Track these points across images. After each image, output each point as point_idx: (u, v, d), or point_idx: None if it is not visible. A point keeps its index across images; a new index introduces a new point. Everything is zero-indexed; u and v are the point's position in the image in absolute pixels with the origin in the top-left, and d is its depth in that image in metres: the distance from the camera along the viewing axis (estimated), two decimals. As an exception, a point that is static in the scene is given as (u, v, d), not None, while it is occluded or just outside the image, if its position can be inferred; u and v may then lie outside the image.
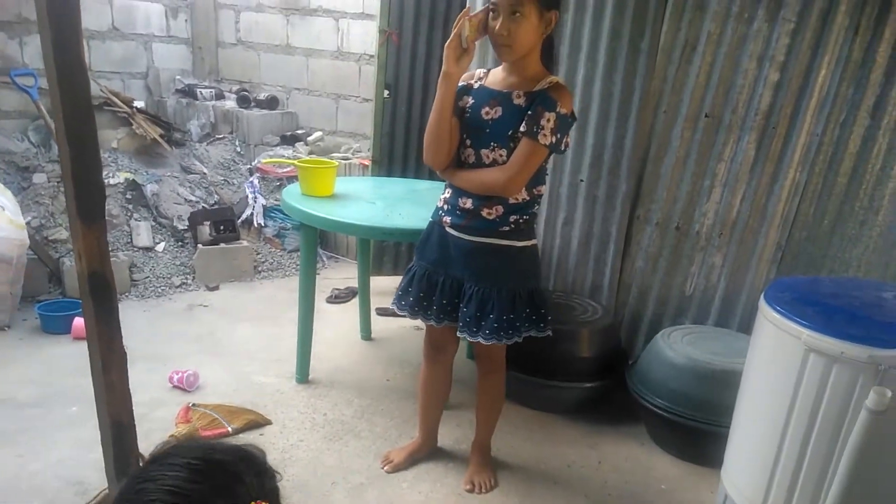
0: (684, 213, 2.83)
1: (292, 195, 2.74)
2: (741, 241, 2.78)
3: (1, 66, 4.01)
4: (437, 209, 2.12)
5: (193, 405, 2.59)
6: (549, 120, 1.84)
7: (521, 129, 1.86)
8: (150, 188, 4.04)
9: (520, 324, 2.02)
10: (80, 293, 1.72)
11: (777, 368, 1.88)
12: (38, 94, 3.96)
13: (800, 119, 2.60)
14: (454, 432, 2.60)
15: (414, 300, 2.11)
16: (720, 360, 2.40)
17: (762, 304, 1.97)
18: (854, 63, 2.50)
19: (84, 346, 2.92)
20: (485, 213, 1.97)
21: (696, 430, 2.39)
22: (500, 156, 1.91)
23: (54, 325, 3.17)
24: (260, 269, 4.08)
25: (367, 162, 4.10)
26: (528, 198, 1.98)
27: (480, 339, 2.01)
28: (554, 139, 1.86)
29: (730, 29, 2.62)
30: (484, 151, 1.94)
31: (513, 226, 1.98)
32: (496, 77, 1.98)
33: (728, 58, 2.64)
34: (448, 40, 1.82)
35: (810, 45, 2.53)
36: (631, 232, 2.93)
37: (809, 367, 1.77)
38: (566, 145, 1.94)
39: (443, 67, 1.87)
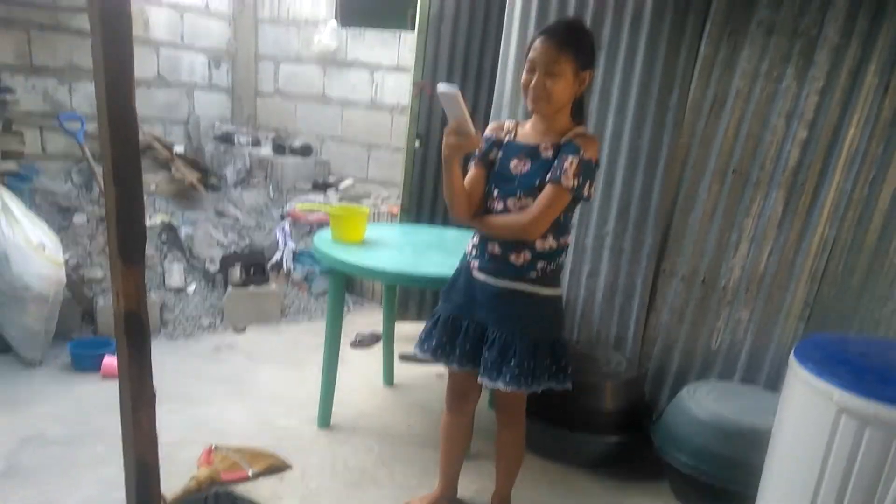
0: (711, 267, 2.82)
1: (323, 241, 2.79)
2: (769, 296, 2.75)
3: (50, 110, 4.21)
4: (465, 254, 2.15)
5: (216, 447, 2.60)
6: (571, 164, 1.86)
7: (549, 176, 1.89)
8: (184, 230, 4.15)
9: (540, 373, 2.01)
10: (115, 332, 1.76)
11: (808, 429, 1.83)
12: (83, 137, 4.14)
13: (829, 176, 2.60)
14: (475, 483, 2.56)
15: (437, 344, 2.12)
16: (748, 417, 2.35)
17: (792, 361, 1.94)
18: (884, 121, 2.50)
19: (113, 384, 2.98)
20: (512, 258, 1.98)
21: (722, 490, 2.32)
22: (527, 205, 1.94)
23: (85, 363, 3.23)
24: (287, 312, 4.14)
25: (396, 209, 4.17)
26: (555, 246, 1.99)
27: (500, 385, 2.00)
28: (576, 182, 1.87)
29: (758, 87, 2.65)
30: (511, 200, 1.97)
31: (540, 273, 1.99)
32: (525, 131, 2.03)
33: (756, 115, 2.67)
34: (450, 137, 1.83)
35: (839, 104, 2.54)
36: (657, 285, 2.92)
37: (841, 428, 1.72)
38: (591, 193, 1.94)
39: (447, 154, 1.88)
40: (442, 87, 1.75)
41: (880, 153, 2.52)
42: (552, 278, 2.04)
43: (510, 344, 1.99)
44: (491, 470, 2.43)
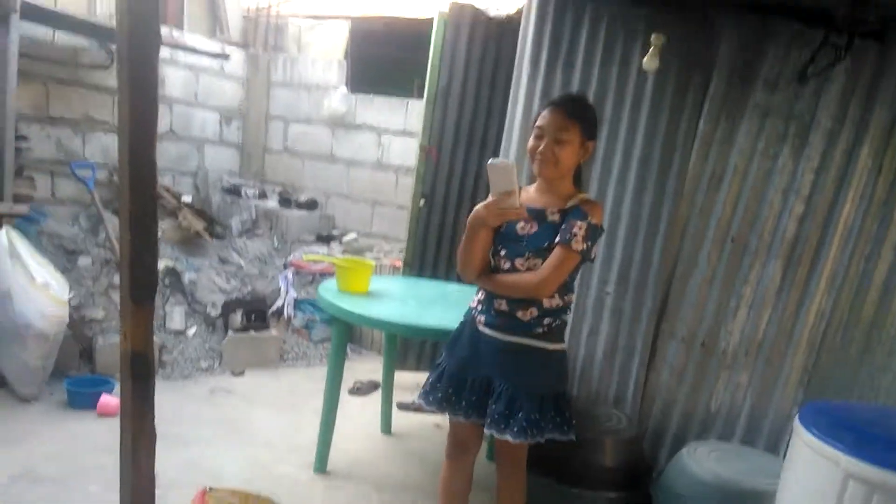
0: (710, 331, 2.88)
1: (329, 291, 2.84)
2: (768, 361, 2.81)
3: (63, 157, 4.32)
4: (470, 309, 2.19)
5: (210, 489, 2.55)
6: (580, 228, 1.96)
7: (557, 239, 1.98)
8: (188, 276, 4.19)
9: (545, 424, 2.04)
10: (121, 371, 1.76)
11: (814, 493, 1.84)
12: (94, 185, 4.23)
13: (825, 250, 2.70)
14: (473, 537, 2.52)
15: (442, 396, 2.14)
16: (749, 479, 2.36)
17: (798, 426, 1.96)
18: (878, 200, 2.64)
19: (108, 423, 3.00)
20: (520, 314, 2.04)
21: (723, 553, 2.30)
22: (535, 265, 2.02)
23: (81, 401, 3.21)
24: (286, 357, 4.15)
25: (398, 263, 4.25)
26: (560, 304, 2.06)
27: (508, 437, 2.02)
28: (585, 246, 1.97)
29: (755, 163, 2.79)
30: (519, 261, 2.04)
31: (546, 328, 2.05)
32: (530, 195, 2.12)
33: (754, 190, 2.80)
34: (495, 207, 1.91)
35: (834, 182, 2.68)
36: (656, 345, 2.98)
37: (849, 493, 1.74)
38: (595, 254, 2.06)
39: (484, 219, 1.97)
40: (495, 161, 1.88)
41: (875, 230, 2.64)
42: (557, 334, 2.09)
43: (517, 397, 2.02)
44: (490, 523, 2.40)
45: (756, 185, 2.80)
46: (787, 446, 2.08)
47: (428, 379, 2.21)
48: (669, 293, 2.95)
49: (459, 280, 3.67)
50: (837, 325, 2.72)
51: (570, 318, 2.73)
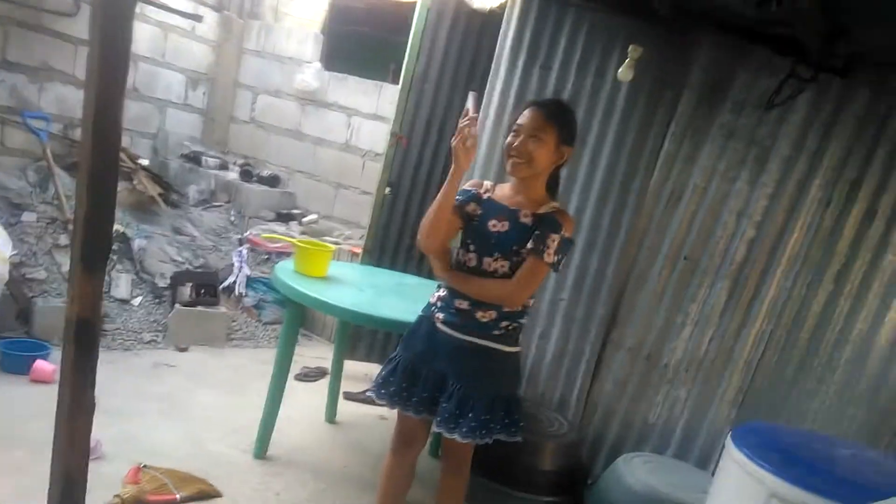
0: (655, 345, 2.96)
1: (285, 271, 2.79)
2: (706, 379, 2.90)
3: (15, 105, 4.14)
4: (430, 304, 2.19)
5: (144, 466, 2.51)
6: (554, 241, 1.99)
7: (529, 246, 2.00)
8: (137, 242, 4.08)
9: (493, 425, 2.06)
10: (64, 337, 1.69)
11: (738, 508, 1.93)
12: (47, 137, 4.07)
13: (770, 274, 2.80)
14: (408, 531, 2.55)
15: (395, 390, 2.13)
16: (678, 492, 2.44)
17: (729, 444, 2.04)
18: (824, 231, 2.74)
19: (41, 389, 2.91)
20: (479, 315, 2.05)
21: (648, 562, 2.38)
22: (502, 266, 2.04)
23: (14, 365, 3.10)
24: (233, 336, 4.07)
25: (357, 249, 4.22)
26: (520, 308, 2.08)
27: (457, 436, 2.03)
28: (556, 259, 2.01)
29: (714, 184, 2.86)
30: (487, 260, 2.05)
31: (504, 331, 2.07)
32: (503, 192, 2.13)
33: (710, 210, 2.87)
34: (458, 139, 1.89)
35: (785, 210, 2.77)
36: (603, 355, 3.04)
37: (772, 512, 1.83)
38: (563, 266, 2.10)
39: (456, 164, 1.93)
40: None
41: (819, 259, 2.74)
42: (514, 336, 2.11)
43: (469, 397, 2.04)
44: (426, 519, 2.43)
45: (713, 205, 2.87)
46: (718, 462, 2.15)
47: (381, 372, 2.20)
48: (621, 304, 3.02)
49: (419, 272, 3.71)
50: (775, 349, 2.82)
51: (527, 321, 2.77)
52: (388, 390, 2.14)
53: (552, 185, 2.14)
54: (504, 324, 2.06)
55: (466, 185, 2.18)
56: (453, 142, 1.91)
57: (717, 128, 2.85)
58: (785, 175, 2.77)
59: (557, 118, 2.04)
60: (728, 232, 2.86)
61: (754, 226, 2.82)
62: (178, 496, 2.42)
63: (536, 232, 2.00)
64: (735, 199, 2.84)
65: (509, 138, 2.05)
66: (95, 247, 1.60)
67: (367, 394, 2.23)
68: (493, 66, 3.25)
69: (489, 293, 2.04)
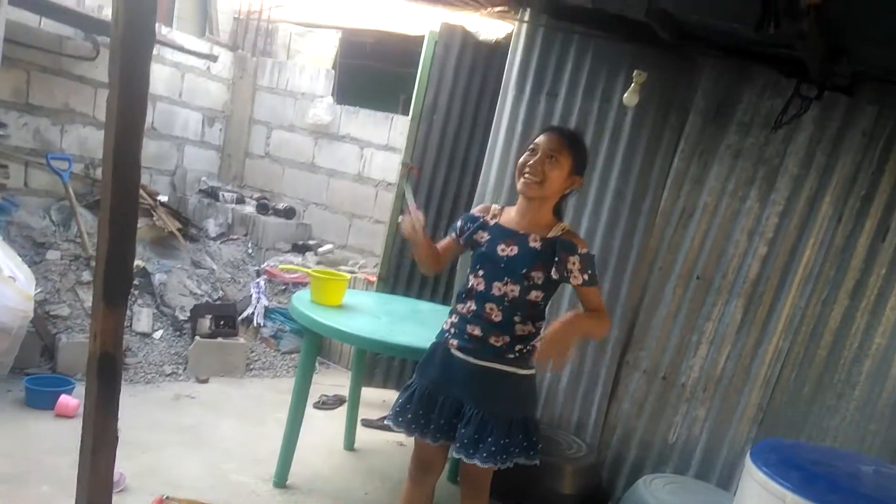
0: (671, 364, 2.95)
1: (302, 301, 2.83)
2: (724, 397, 2.88)
3: (39, 148, 4.26)
4: (443, 331, 2.20)
5: (167, 498, 2.54)
6: (574, 263, 2.02)
7: (574, 280, 2.03)
8: (158, 277, 4.15)
9: (513, 449, 2.06)
10: (87, 372, 1.73)
11: (759, 527, 1.92)
12: (69, 177, 4.18)
13: (785, 291, 2.80)
14: (428, 558, 2.53)
15: (412, 417, 2.14)
16: (700, 513, 2.42)
17: (748, 462, 2.03)
18: (836, 248, 2.74)
19: (65, 424, 2.96)
20: (492, 340, 2.07)
21: (672, 585, 2.35)
22: (512, 290, 2.05)
23: (39, 400, 3.14)
24: (252, 367, 4.11)
25: (372, 278, 4.26)
26: (532, 330, 2.09)
27: (477, 462, 2.03)
28: (586, 276, 2.03)
29: (724, 203, 2.88)
30: (496, 284, 2.07)
31: (517, 354, 2.08)
32: (510, 216, 2.15)
33: (721, 228, 2.89)
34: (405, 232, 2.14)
35: (797, 227, 2.78)
36: (619, 376, 3.04)
37: (791, 528, 1.81)
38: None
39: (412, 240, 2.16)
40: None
41: (832, 275, 2.74)
42: (528, 359, 2.11)
43: (487, 421, 2.04)
44: (447, 545, 2.42)
45: (724, 224, 2.89)
46: (739, 481, 2.14)
47: (398, 400, 2.21)
48: (635, 326, 3.02)
49: (433, 298, 3.75)
50: (792, 366, 2.81)
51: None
52: (406, 418, 2.14)
53: (558, 212, 2.16)
54: (518, 347, 2.08)
55: (475, 211, 2.23)
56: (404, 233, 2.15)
57: (724, 148, 2.88)
58: (795, 192, 2.78)
59: (575, 145, 2.08)
60: (740, 250, 2.87)
61: (766, 243, 2.83)
62: (200, 527, 2.44)
63: (556, 259, 2.02)
64: (746, 218, 2.86)
65: (524, 157, 2.08)
66: (117, 282, 1.64)
67: (385, 422, 2.24)
68: (500, 94, 3.31)
69: (597, 334, 2.23)
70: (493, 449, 2.02)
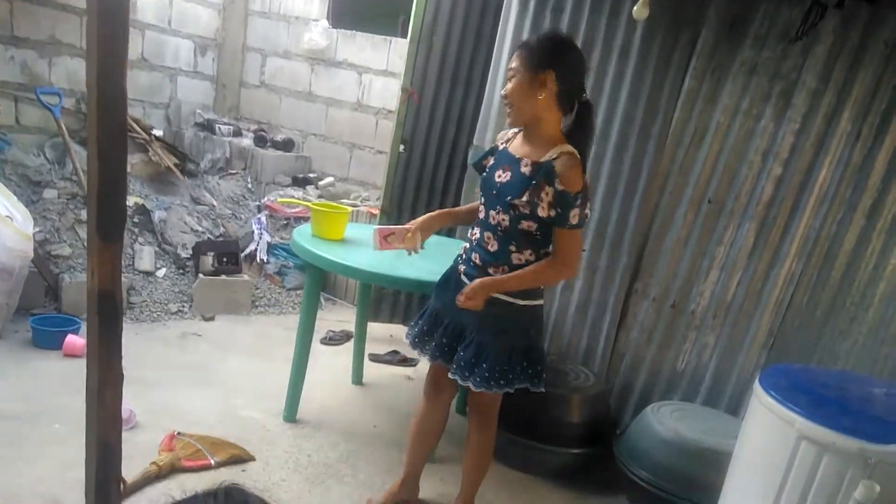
0: (681, 291, 2.90)
1: (303, 236, 2.78)
2: (735, 323, 2.84)
3: (27, 82, 4.12)
4: (458, 255, 2.21)
5: (179, 433, 2.57)
6: (547, 194, 1.88)
7: (541, 212, 1.89)
8: (158, 214, 4.09)
9: (513, 376, 2.06)
10: (87, 310, 1.72)
11: (768, 453, 1.90)
12: (60, 112, 4.05)
13: (799, 213, 2.71)
14: (437, 487, 2.58)
15: (418, 332, 2.21)
16: (709, 438, 2.42)
17: (757, 388, 2.00)
18: (854, 166, 2.62)
19: (73, 363, 2.96)
20: (491, 270, 2.03)
21: (678, 507, 2.38)
22: (503, 219, 1.97)
23: (46, 340, 3.16)
24: (257, 304, 4.10)
25: (375, 210, 4.18)
26: (532, 259, 2.01)
27: (470, 385, 2.05)
28: (553, 213, 1.88)
29: (738, 123, 2.75)
30: (491, 213, 2.01)
31: None
32: (517, 142, 2.06)
33: (734, 149, 2.77)
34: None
35: (813, 146, 2.66)
36: (628, 304, 3.00)
37: (801, 454, 1.79)
38: (582, 217, 1.93)
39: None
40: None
41: (849, 196, 2.64)
42: (531, 290, 2.06)
43: (484, 347, 2.04)
44: (455, 474, 2.45)
45: (737, 145, 2.77)
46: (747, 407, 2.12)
47: (417, 316, 2.31)
48: (644, 252, 2.96)
49: (437, 231, 3.67)
50: (805, 289, 2.75)
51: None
52: (413, 331, 2.24)
53: (575, 129, 1.96)
54: None
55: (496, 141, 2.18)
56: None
57: (738, 64, 2.73)
58: (812, 109, 2.64)
59: (525, 46, 1.92)
60: (754, 171, 2.76)
61: (781, 163, 2.71)
62: (212, 461, 2.48)
63: (533, 182, 1.88)
64: (760, 137, 2.73)
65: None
66: (110, 216, 1.59)
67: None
68: (503, 10, 3.14)
69: (541, 280, 2.05)
70: (487, 375, 2.02)
